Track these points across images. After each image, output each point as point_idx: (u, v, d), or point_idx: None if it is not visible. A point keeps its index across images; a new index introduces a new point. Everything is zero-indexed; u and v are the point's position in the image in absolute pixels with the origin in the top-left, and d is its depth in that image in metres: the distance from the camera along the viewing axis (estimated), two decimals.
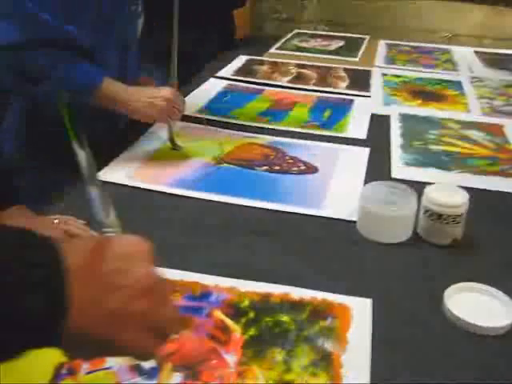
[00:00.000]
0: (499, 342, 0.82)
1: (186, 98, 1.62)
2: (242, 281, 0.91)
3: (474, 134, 1.54)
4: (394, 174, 1.27)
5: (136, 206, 1.11)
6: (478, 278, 0.92)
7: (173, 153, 1.32)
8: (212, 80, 1.87)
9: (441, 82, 1.99)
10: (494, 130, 1.58)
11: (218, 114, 1.57)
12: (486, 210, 1.15)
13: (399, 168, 1.30)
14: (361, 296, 0.89)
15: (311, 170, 1.27)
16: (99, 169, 1.20)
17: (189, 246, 0.99)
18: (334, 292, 0.89)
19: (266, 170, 1.26)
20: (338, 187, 1.20)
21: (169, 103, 1.23)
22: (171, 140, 1.33)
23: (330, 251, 1.01)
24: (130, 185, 1.18)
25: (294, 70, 2.02)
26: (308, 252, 1.00)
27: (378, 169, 1.30)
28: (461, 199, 1.00)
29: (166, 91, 1.23)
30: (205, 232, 1.04)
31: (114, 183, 1.17)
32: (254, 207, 1.12)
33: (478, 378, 0.76)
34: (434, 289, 0.90)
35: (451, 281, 0.91)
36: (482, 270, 0.98)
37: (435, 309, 0.87)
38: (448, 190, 1.02)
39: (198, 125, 1.49)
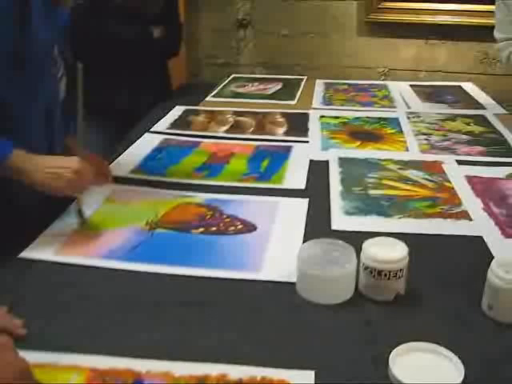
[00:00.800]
0: None
1: (120, 157, 1.58)
2: (176, 363, 0.85)
3: (413, 173, 1.53)
4: (334, 226, 1.24)
5: (64, 283, 1.05)
6: (424, 335, 0.88)
7: (103, 221, 1.26)
8: (147, 135, 1.82)
9: (379, 120, 2.00)
10: (433, 168, 1.57)
11: (152, 173, 1.52)
12: (429, 258, 1.13)
13: (339, 218, 1.27)
14: (303, 368, 0.84)
15: (249, 228, 1.23)
16: (24, 246, 1.14)
17: (118, 325, 0.94)
18: (275, 366, 0.84)
19: (202, 232, 1.21)
20: (277, 246, 1.16)
21: (77, 175, 1.16)
22: (78, 213, 1.26)
23: (270, 319, 0.96)
24: (57, 261, 1.11)
25: (231, 119, 1.99)
26: (246, 322, 0.95)
27: (317, 221, 1.27)
28: (400, 253, 0.97)
29: (74, 162, 1.16)
30: (137, 308, 0.99)
31: (40, 261, 1.11)
32: (190, 276, 1.06)
33: None
34: (378, 352, 0.86)
35: (396, 341, 0.87)
36: (428, 325, 0.95)
37: (381, 374, 0.83)
38: (387, 244, 0.99)
39: (130, 186, 1.43)
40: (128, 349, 0.87)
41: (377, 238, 1.01)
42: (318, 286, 0.98)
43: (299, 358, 0.87)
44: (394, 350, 0.85)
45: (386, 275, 0.96)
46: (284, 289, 1.03)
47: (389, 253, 0.97)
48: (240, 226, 1.24)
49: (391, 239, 1.01)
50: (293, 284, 1.03)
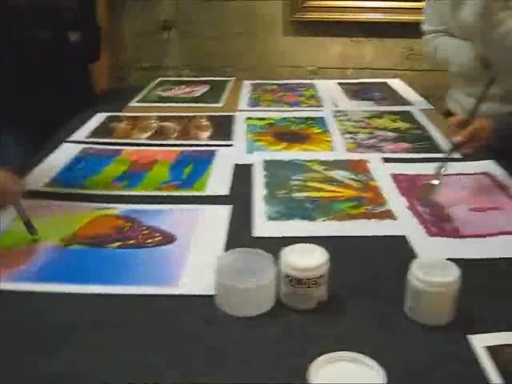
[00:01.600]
0: None
1: (35, 169, 1.51)
2: None
3: (339, 174, 1.51)
4: (256, 233, 1.20)
5: None
6: (347, 343, 0.86)
7: (14, 240, 1.18)
8: (66, 145, 1.74)
9: (306, 120, 1.97)
10: (359, 167, 1.56)
11: (70, 185, 1.45)
12: (352, 261, 1.11)
13: (262, 224, 1.24)
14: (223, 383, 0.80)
15: (168, 239, 1.18)
16: None
17: (20, 355, 0.87)
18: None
19: (120, 246, 1.16)
20: (196, 257, 1.12)
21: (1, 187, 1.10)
22: (25, 224, 1.19)
23: (189, 335, 0.91)
24: None
25: (155, 124, 1.93)
26: (162, 341, 0.90)
27: (240, 228, 1.23)
28: (320, 259, 0.94)
29: None
30: (45, 334, 0.92)
31: None
32: (104, 294, 1.01)
33: None
34: (300, 363, 0.83)
35: (318, 350, 0.83)
36: (352, 332, 0.92)
37: None
38: (306, 251, 0.96)
39: (45, 201, 1.35)
40: (34, 379, 0.81)
41: (296, 245, 0.98)
42: (237, 298, 0.94)
43: (218, 372, 0.83)
44: (314, 361, 0.81)
45: (305, 283, 0.93)
46: (204, 302, 0.98)
47: (308, 260, 0.94)
48: (159, 238, 1.19)
49: (310, 245, 0.98)
50: (212, 297, 0.98)
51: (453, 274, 0.92)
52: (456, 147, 1.44)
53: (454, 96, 2.01)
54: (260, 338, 0.91)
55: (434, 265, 0.94)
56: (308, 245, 0.98)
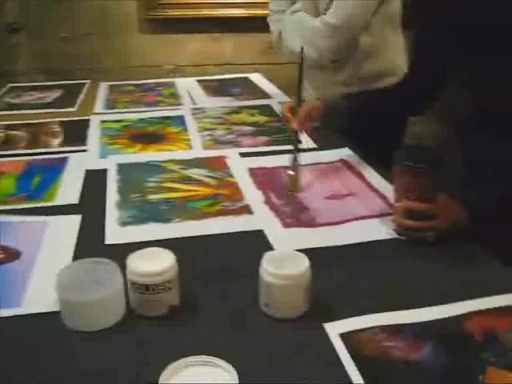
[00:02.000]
0: None
1: None
2: None
3: (196, 172, 1.48)
4: (107, 241, 1.14)
5: None
6: (202, 347, 0.82)
7: None
8: None
9: (163, 119, 1.93)
10: (216, 164, 1.53)
11: None
12: (208, 260, 1.08)
13: (114, 231, 1.18)
14: None
15: (12, 256, 1.09)
16: None
17: None
18: None
19: None
20: (42, 271, 1.04)
21: None
22: None
23: (37, 356, 0.84)
24: None
25: (1, 134, 1.80)
26: (9, 362, 0.82)
27: (91, 237, 1.16)
28: (167, 263, 0.90)
29: None
30: None
31: None
32: None
33: None
34: (152, 374, 0.78)
35: (171, 358, 0.80)
36: (206, 335, 0.89)
37: None
38: (152, 255, 0.92)
39: None
40: None
41: (142, 250, 0.93)
42: (82, 313, 0.88)
43: None
44: (164, 370, 0.77)
45: (154, 289, 0.89)
46: (50, 320, 0.91)
47: (154, 265, 0.89)
48: (1, 256, 1.10)
49: (158, 249, 0.94)
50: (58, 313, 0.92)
51: (303, 265, 0.91)
52: (297, 133, 1.45)
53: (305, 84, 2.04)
54: (111, 350, 0.86)
55: (285, 257, 0.93)
56: (155, 249, 0.94)
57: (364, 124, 1.59)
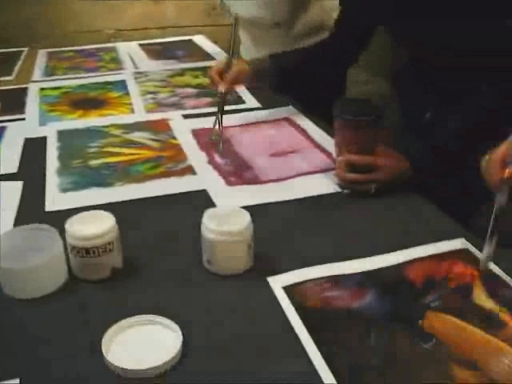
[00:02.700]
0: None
1: None
2: None
3: (138, 135, 1.46)
4: (48, 208, 1.12)
5: None
6: (146, 307, 0.83)
7: None
8: None
9: (104, 84, 1.88)
10: (159, 127, 1.52)
11: None
12: (152, 221, 1.07)
13: (54, 198, 1.16)
14: (8, 377, 0.73)
15: None
16: None
17: None
18: None
19: None
20: None
21: None
22: None
23: None
24: None
25: None
26: None
27: (31, 205, 1.14)
28: (107, 226, 0.89)
29: None
30: None
31: None
32: None
33: None
34: (96, 337, 0.78)
35: (115, 320, 0.79)
36: (150, 295, 0.89)
37: (100, 361, 0.75)
38: (91, 218, 0.91)
39: None
40: None
41: (81, 214, 0.92)
42: (22, 280, 0.86)
43: (15, 357, 0.76)
44: (106, 332, 0.77)
45: (94, 252, 0.88)
46: None
47: (94, 227, 0.88)
48: None
49: (97, 212, 0.93)
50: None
51: (244, 221, 0.91)
52: (224, 95, 1.46)
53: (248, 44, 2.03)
54: (54, 315, 0.85)
55: (226, 214, 0.93)
56: (94, 212, 0.93)
57: (296, 83, 1.59)
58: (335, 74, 1.66)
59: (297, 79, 1.57)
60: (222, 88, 1.44)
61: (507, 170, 0.84)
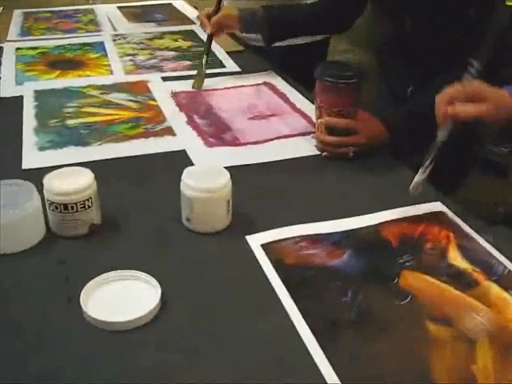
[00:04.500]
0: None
1: None
2: None
3: (116, 96, 1.44)
4: (24, 165, 1.11)
5: None
6: (124, 263, 0.83)
7: None
8: None
9: (82, 46, 1.86)
10: (138, 88, 1.50)
11: None
12: (130, 180, 1.07)
13: (32, 156, 1.14)
14: None
15: None
16: None
17: None
18: None
19: None
20: None
21: None
22: None
23: None
24: None
25: None
26: None
27: (8, 163, 1.13)
28: (85, 181, 0.89)
29: None
30: None
31: None
32: None
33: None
34: (74, 292, 0.78)
35: (92, 276, 0.80)
36: (128, 251, 0.89)
37: (78, 315, 0.75)
38: (70, 174, 0.90)
39: None
40: None
41: (59, 170, 0.91)
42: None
43: None
44: (85, 286, 0.77)
45: (73, 208, 0.87)
46: None
47: (72, 183, 0.87)
48: None
49: (76, 168, 0.93)
50: None
51: (223, 178, 0.91)
52: (210, 37, 1.57)
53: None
54: (32, 270, 0.84)
55: (205, 172, 0.93)
56: (73, 168, 0.92)
57: (284, 37, 1.60)
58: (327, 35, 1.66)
59: (290, 34, 1.60)
60: (208, 30, 1.55)
61: (450, 107, 0.89)
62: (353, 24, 1.53)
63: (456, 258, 0.88)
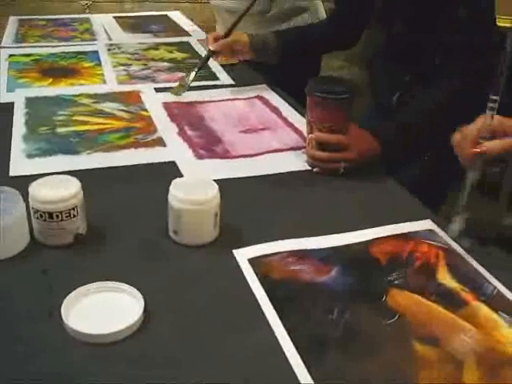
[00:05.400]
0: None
1: None
2: None
3: (109, 106, 1.44)
4: (12, 172, 1.10)
5: None
6: (107, 274, 0.81)
7: None
8: None
9: (77, 54, 1.85)
10: (131, 99, 1.49)
11: None
12: (119, 190, 1.06)
13: (19, 163, 1.13)
14: None
15: None
16: None
17: None
18: None
19: None
20: None
21: None
22: None
23: None
24: None
25: None
26: None
27: None
28: (71, 190, 0.87)
29: None
30: None
31: None
32: None
33: None
34: (55, 303, 0.76)
35: (76, 287, 0.78)
36: (113, 263, 0.87)
37: (60, 327, 0.73)
38: (56, 183, 0.89)
39: None
40: None
41: (45, 178, 0.90)
42: None
43: None
44: (66, 298, 0.75)
45: (58, 216, 0.86)
46: None
47: (58, 191, 0.86)
48: None
49: (62, 176, 0.91)
50: None
51: (211, 190, 0.90)
52: (209, 53, 1.55)
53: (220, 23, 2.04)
54: (14, 279, 0.83)
55: (194, 184, 0.92)
56: (59, 176, 0.91)
57: (296, 60, 1.60)
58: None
59: (302, 55, 1.61)
60: (211, 46, 1.52)
61: (478, 147, 0.85)
62: (361, 35, 1.53)
63: (445, 277, 0.87)
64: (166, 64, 1.79)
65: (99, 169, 1.13)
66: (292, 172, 1.16)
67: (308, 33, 1.58)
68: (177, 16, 2.52)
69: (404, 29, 1.27)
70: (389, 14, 1.29)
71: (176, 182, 0.91)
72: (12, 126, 1.30)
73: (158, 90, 1.57)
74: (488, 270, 0.88)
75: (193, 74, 1.55)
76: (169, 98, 1.50)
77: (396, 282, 0.86)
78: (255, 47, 1.52)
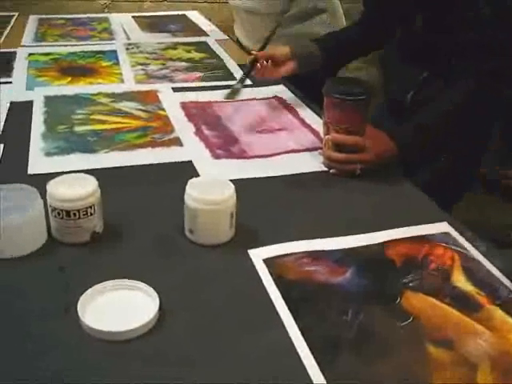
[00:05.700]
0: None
1: None
2: None
3: (126, 105, 1.45)
4: (30, 170, 1.11)
5: None
6: (124, 272, 0.82)
7: None
8: None
9: (95, 53, 1.87)
10: (148, 98, 1.50)
11: None
12: (136, 189, 1.06)
13: (38, 161, 1.14)
14: None
15: None
16: None
17: None
18: None
19: None
20: None
21: None
22: None
23: None
24: None
25: None
26: None
27: (12, 168, 1.13)
28: (89, 189, 0.88)
29: None
30: None
31: None
32: None
33: None
34: (72, 300, 0.77)
35: (92, 284, 0.79)
36: (129, 261, 0.88)
37: (75, 324, 0.74)
38: (74, 181, 0.90)
39: None
40: None
41: (63, 176, 0.91)
42: (0, 239, 0.85)
43: None
44: (82, 295, 0.76)
45: (75, 214, 0.87)
46: None
47: (76, 190, 0.87)
48: None
49: (80, 175, 0.92)
50: None
51: (228, 190, 0.90)
52: (252, 60, 1.48)
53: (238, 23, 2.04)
54: (32, 276, 0.83)
55: (210, 184, 0.93)
56: (77, 174, 0.92)
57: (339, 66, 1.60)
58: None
59: (345, 60, 1.63)
60: (254, 53, 1.48)
61: None
62: (392, 35, 1.51)
63: (460, 280, 0.86)
64: (183, 64, 1.80)
65: (116, 168, 1.14)
66: (308, 173, 1.16)
67: (341, 39, 1.56)
68: (195, 16, 2.53)
69: (421, 28, 1.26)
70: (408, 13, 1.28)
71: (192, 182, 0.91)
72: (31, 125, 1.31)
73: (175, 89, 1.57)
74: (504, 274, 0.87)
75: (242, 80, 1.49)
76: (185, 98, 1.50)
77: (411, 284, 0.85)
78: (299, 59, 1.47)
